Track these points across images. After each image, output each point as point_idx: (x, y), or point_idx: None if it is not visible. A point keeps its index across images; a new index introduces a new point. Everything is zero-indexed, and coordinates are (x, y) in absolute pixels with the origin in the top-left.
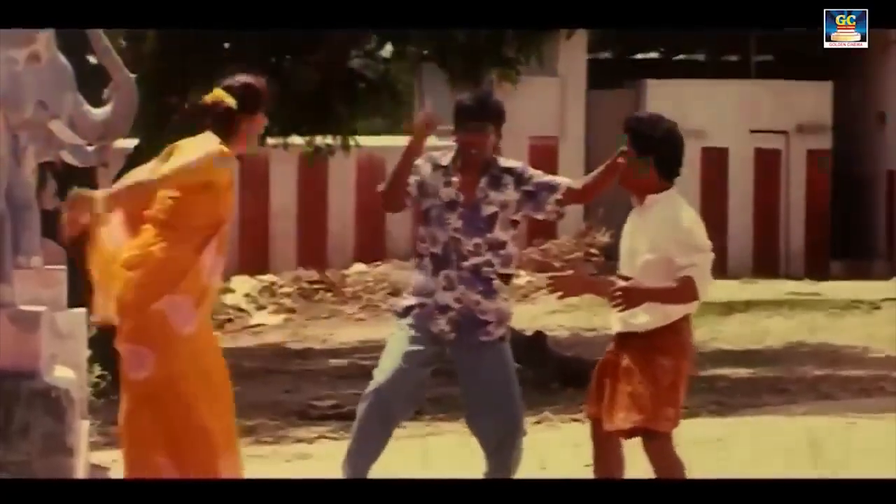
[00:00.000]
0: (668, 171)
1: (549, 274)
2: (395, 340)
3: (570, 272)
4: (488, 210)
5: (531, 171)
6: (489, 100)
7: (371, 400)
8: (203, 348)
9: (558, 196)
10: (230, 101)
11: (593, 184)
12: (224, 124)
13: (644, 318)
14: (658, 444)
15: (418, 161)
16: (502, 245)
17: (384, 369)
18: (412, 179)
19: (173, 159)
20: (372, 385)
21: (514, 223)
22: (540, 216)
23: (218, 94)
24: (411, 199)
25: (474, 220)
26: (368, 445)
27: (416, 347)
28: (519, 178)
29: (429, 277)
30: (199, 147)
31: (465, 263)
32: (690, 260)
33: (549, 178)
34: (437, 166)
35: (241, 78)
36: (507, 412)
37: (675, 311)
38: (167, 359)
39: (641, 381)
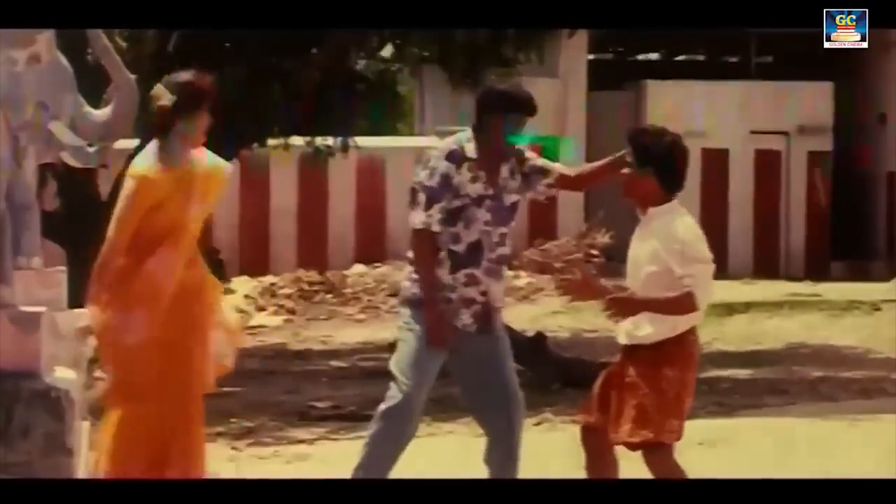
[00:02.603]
0: (670, 183)
1: (561, 277)
2: (415, 342)
3: (579, 276)
4: (511, 199)
5: (527, 153)
6: (528, 92)
7: (402, 410)
8: (156, 355)
9: (549, 180)
10: (165, 100)
11: (587, 175)
12: (159, 122)
13: (649, 329)
14: (660, 456)
15: (437, 162)
16: (511, 230)
17: (412, 377)
18: (435, 181)
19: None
20: (399, 396)
21: None
22: (529, 196)
23: (157, 90)
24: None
25: (501, 210)
26: (392, 455)
27: (437, 350)
28: (520, 161)
29: (445, 274)
30: (127, 183)
31: (493, 255)
32: (689, 271)
33: (541, 161)
34: (461, 161)
35: (183, 75)
36: (515, 395)
37: (680, 323)
38: (112, 369)
39: (647, 394)
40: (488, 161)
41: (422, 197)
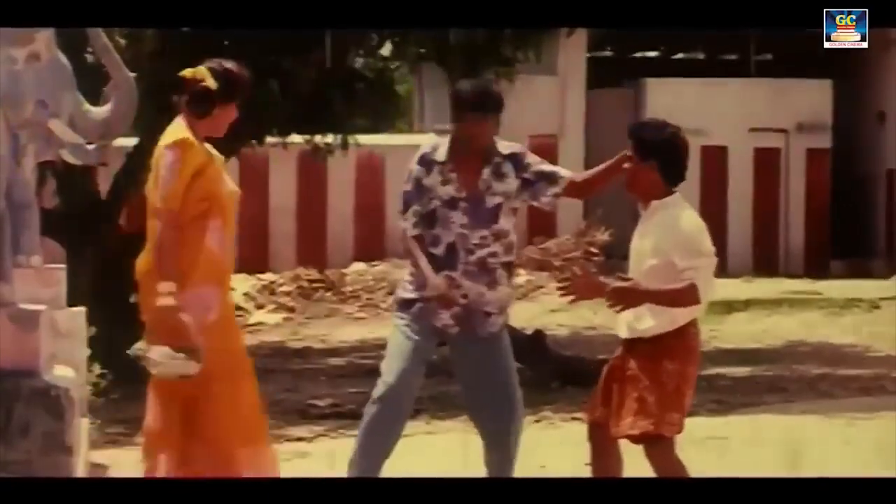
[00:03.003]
0: (671, 176)
1: (562, 276)
2: (399, 337)
3: (579, 273)
4: (493, 201)
5: (530, 157)
6: (489, 89)
7: (385, 402)
8: (230, 329)
9: (557, 190)
10: (210, 82)
11: (593, 180)
12: (198, 104)
13: (650, 322)
14: (660, 449)
15: (411, 166)
16: (506, 234)
17: (393, 369)
18: (410, 185)
19: (158, 187)
20: (382, 387)
21: (514, 210)
22: (534, 204)
23: (200, 72)
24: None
25: (479, 212)
26: (381, 447)
27: (419, 344)
28: (518, 165)
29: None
30: (163, 158)
31: (472, 257)
32: (692, 264)
33: (549, 168)
34: (430, 164)
35: (226, 63)
36: (510, 401)
37: (681, 316)
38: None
39: (647, 387)
40: (463, 163)
41: (401, 201)
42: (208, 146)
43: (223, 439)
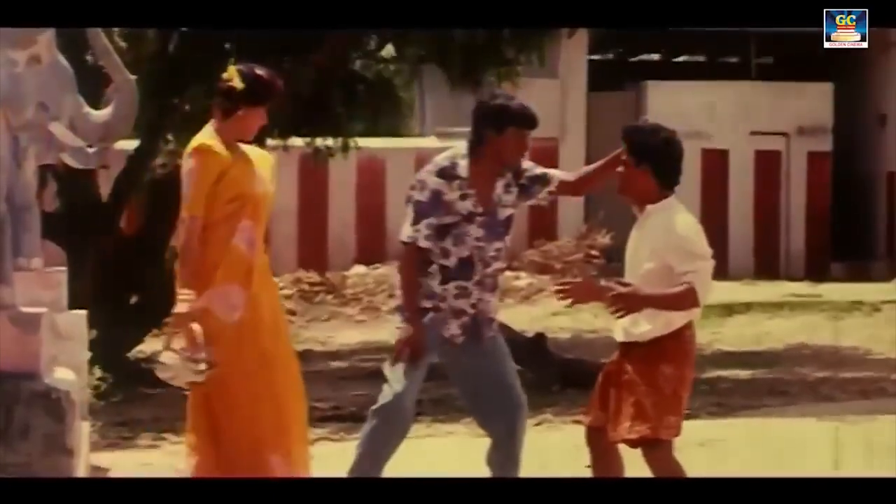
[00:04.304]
0: (666, 179)
1: (559, 280)
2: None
3: (578, 279)
4: (505, 213)
5: (524, 163)
6: (526, 104)
7: (392, 409)
8: (258, 329)
9: (550, 188)
10: (236, 83)
11: (586, 178)
12: (222, 102)
13: (646, 326)
14: (659, 453)
15: (428, 178)
16: (508, 243)
17: (401, 377)
18: (424, 197)
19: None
20: (390, 394)
21: None
22: (529, 203)
23: (230, 71)
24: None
25: (494, 226)
26: (384, 454)
27: (428, 354)
28: (515, 174)
29: (436, 285)
30: (188, 161)
31: (489, 270)
32: (690, 267)
33: (540, 170)
34: (451, 179)
35: (258, 68)
36: (516, 401)
37: (676, 319)
38: (219, 352)
39: (644, 391)
40: (482, 178)
41: (410, 211)
42: (246, 147)
43: (244, 440)
